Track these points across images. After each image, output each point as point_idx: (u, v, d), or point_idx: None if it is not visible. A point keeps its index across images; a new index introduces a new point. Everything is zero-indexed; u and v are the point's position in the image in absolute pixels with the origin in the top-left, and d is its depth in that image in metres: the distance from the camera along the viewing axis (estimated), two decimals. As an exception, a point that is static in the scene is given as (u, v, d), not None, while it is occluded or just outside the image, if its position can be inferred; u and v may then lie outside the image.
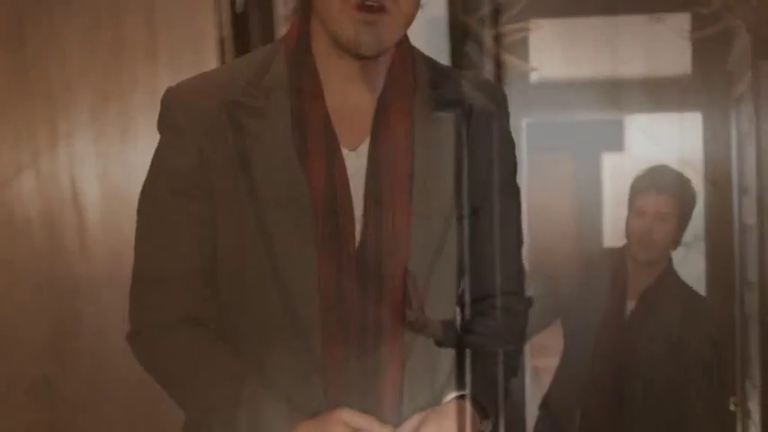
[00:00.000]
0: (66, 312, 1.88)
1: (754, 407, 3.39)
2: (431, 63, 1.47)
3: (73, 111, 1.95)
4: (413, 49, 1.44)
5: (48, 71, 1.87)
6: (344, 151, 1.37)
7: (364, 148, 1.38)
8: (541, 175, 4.69)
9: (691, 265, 4.15)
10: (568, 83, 3.86)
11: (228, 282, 1.39)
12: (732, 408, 3.78)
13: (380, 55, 1.35)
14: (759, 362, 3.23)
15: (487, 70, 3.33)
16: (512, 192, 1.51)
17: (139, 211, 1.43)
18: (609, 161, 6.33)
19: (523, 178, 3.95)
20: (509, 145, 1.50)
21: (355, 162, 1.38)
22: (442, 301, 1.43)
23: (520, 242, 1.55)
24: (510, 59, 3.31)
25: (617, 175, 6.69)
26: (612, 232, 6.62)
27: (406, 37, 1.42)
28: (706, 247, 3.82)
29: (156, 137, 1.43)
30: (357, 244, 1.36)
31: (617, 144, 6.07)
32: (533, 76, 3.85)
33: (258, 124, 1.35)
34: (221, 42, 2.72)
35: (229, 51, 2.74)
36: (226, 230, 1.37)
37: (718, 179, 3.67)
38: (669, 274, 2.95)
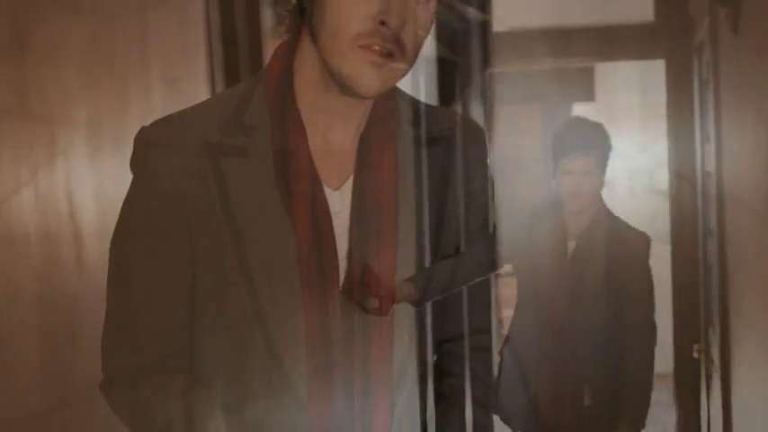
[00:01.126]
0: (65, 326, 1.87)
1: (717, 354, 3.41)
2: (411, 101, 1.43)
3: (70, 126, 1.93)
4: (395, 87, 1.38)
5: (46, 88, 1.83)
6: (327, 191, 1.34)
7: (348, 187, 1.35)
8: (508, 125, 4.67)
9: (658, 216, 4.14)
10: (531, 32, 3.82)
11: (209, 326, 1.34)
12: (695, 355, 3.82)
13: (377, 96, 1.31)
14: (719, 309, 3.24)
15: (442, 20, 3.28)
16: (488, 233, 1.49)
17: (112, 255, 1.36)
18: (579, 110, 6.32)
19: (492, 129, 3.92)
20: (488, 185, 1.48)
21: (339, 202, 1.34)
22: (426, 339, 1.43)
23: (490, 284, 1.55)
24: (463, 7, 3.27)
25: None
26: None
27: None
28: (670, 197, 3.81)
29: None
30: (341, 285, 1.33)
31: (587, 94, 6.05)
32: (495, 26, 3.80)
33: (239, 164, 1.31)
34: (211, 56, 2.71)
35: (219, 65, 2.73)
36: (205, 273, 1.32)
37: (681, 128, 3.66)
38: (602, 212, 3.10)
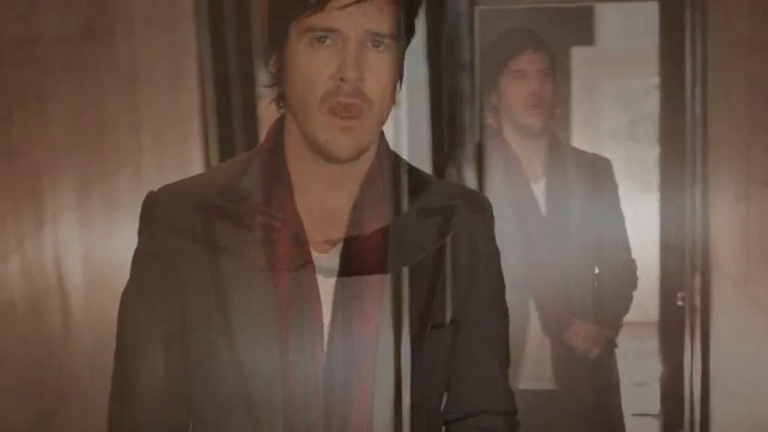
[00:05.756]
0: (49, 397, 1.88)
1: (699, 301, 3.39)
2: (411, 170, 1.46)
3: (58, 194, 1.93)
4: (392, 155, 1.45)
5: (34, 155, 1.84)
6: (315, 255, 1.38)
7: (337, 251, 1.38)
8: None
9: (644, 164, 4.09)
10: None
11: (199, 386, 1.40)
12: (679, 303, 3.79)
13: (356, 159, 1.36)
14: (701, 257, 3.22)
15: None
16: (496, 306, 1.50)
17: (118, 316, 1.45)
18: (578, 55, 6.23)
19: (476, 74, 3.86)
20: (493, 257, 1.48)
21: (327, 265, 1.38)
22: (417, 414, 1.41)
23: (505, 360, 1.52)
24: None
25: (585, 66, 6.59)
26: (581, 131, 6.56)
27: (385, 143, 1.43)
28: (660, 142, 3.76)
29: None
30: (325, 353, 1.36)
31: (587, 37, 5.96)
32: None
33: (230, 227, 1.37)
34: (205, 121, 2.68)
35: (213, 131, 2.71)
36: (196, 334, 1.38)
37: (672, 73, 3.59)
38: (558, 143, 2.83)
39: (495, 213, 2.61)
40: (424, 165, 3.08)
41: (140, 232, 1.43)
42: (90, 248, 2.04)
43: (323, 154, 1.36)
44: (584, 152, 2.88)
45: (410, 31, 1.39)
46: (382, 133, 1.43)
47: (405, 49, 1.40)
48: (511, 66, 2.71)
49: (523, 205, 2.75)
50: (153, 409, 1.41)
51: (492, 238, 1.49)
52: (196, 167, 2.70)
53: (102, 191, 2.14)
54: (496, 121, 2.82)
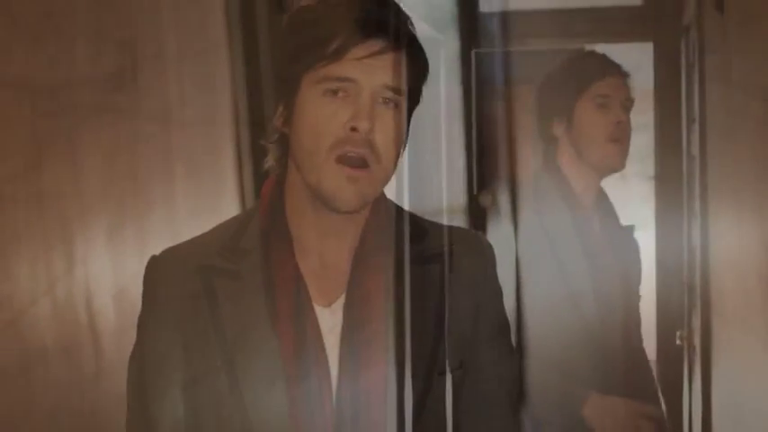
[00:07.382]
0: None
1: (698, 341, 3.38)
2: (408, 217, 1.46)
3: (89, 236, 1.92)
4: (389, 203, 1.44)
5: (65, 198, 1.84)
6: (318, 308, 1.38)
7: (339, 304, 1.38)
8: (492, 107, 4.61)
9: (636, 201, 4.10)
10: (519, 11, 3.78)
11: None
12: (678, 342, 3.78)
13: (359, 211, 1.36)
14: (700, 294, 3.21)
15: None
16: (502, 347, 1.49)
17: (127, 380, 1.45)
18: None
19: (473, 110, 3.88)
20: (496, 298, 1.48)
21: (330, 319, 1.38)
22: None
23: (516, 401, 1.50)
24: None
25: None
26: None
27: (382, 192, 1.42)
28: (656, 182, 3.78)
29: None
30: (333, 406, 1.35)
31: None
32: (483, 5, 3.76)
33: (231, 287, 1.37)
34: (239, 158, 2.67)
35: (247, 169, 2.70)
36: (203, 396, 1.38)
37: (667, 112, 3.63)
38: (606, 199, 2.48)
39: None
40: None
41: (144, 296, 1.43)
42: (122, 288, 2.03)
43: (327, 203, 1.35)
44: (621, 225, 2.48)
45: (416, 97, 1.39)
46: None
47: (411, 114, 1.40)
48: (594, 90, 2.29)
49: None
50: None
51: (494, 278, 1.48)
52: (230, 206, 2.68)
53: (134, 230, 2.12)
54: (553, 157, 2.38)
